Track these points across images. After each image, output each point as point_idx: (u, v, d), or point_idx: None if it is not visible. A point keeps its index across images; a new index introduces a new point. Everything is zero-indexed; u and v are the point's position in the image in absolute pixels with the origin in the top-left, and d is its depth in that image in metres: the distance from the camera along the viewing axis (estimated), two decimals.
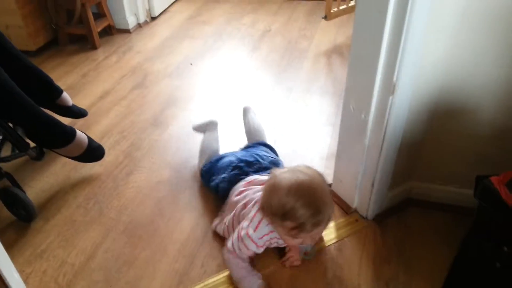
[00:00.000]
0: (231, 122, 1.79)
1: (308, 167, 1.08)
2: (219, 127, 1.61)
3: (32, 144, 1.44)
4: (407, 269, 1.20)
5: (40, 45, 2.42)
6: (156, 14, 2.89)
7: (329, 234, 1.31)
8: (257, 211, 1.11)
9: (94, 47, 2.50)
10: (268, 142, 1.53)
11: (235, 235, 1.15)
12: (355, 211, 1.39)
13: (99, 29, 2.52)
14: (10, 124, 1.37)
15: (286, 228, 1.03)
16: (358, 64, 1.15)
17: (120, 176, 1.56)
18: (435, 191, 1.38)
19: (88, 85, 2.15)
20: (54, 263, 1.25)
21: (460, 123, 1.22)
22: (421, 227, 1.32)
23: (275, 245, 1.18)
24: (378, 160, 1.23)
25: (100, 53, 2.47)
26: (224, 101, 2.00)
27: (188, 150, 1.67)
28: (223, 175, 1.34)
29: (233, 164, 1.35)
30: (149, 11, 2.84)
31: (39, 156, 1.44)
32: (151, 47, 2.53)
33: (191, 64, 2.32)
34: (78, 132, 1.49)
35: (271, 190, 1.04)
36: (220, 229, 1.29)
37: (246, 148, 1.49)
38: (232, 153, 1.44)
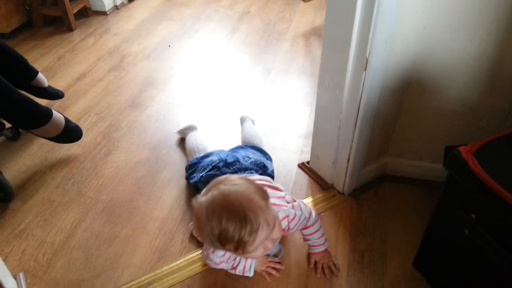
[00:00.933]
0: (210, 103, 1.79)
1: (226, 177, 0.96)
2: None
3: (8, 125, 1.42)
4: (382, 241, 1.24)
5: (14, 27, 2.36)
6: None
7: None
8: None
9: (70, 29, 2.46)
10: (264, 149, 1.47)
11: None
12: (332, 187, 1.42)
13: (74, 11, 2.47)
14: None
15: (231, 251, 0.93)
16: (332, 41, 1.17)
17: (99, 157, 1.55)
18: (408, 166, 1.42)
19: (64, 67, 2.11)
20: (33, 242, 1.25)
21: (431, 100, 1.25)
22: (395, 201, 1.37)
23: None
24: (353, 135, 1.26)
25: (76, 35, 2.43)
26: (203, 83, 2.00)
27: (166, 130, 1.68)
28: (201, 174, 1.32)
29: (213, 164, 1.32)
30: None
31: (15, 136, 1.43)
32: (128, 29, 2.49)
33: (169, 46, 2.30)
34: (55, 113, 1.48)
35: (196, 221, 0.92)
36: (195, 233, 1.25)
37: (235, 148, 1.46)
38: (218, 152, 1.40)
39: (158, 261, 1.20)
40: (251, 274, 1.13)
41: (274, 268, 1.16)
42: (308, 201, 1.37)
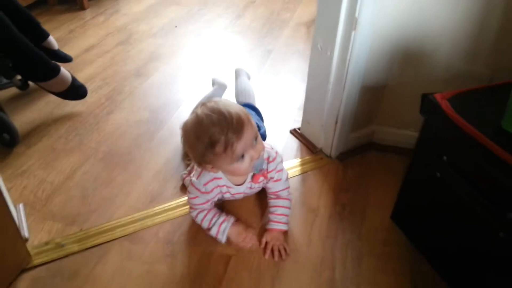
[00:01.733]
0: (211, 77, 1.88)
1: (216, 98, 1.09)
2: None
3: (18, 77, 1.51)
4: (363, 197, 1.31)
5: (29, 3, 2.47)
6: None
7: (294, 168, 1.41)
8: None
9: (82, 8, 2.57)
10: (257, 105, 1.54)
11: None
12: (321, 150, 1.49)
13: None
14: None
15: (221, 156, 0.97)
16: (325, 4, 1.25)
17: (101, 114, 1.63)
18: (395, 135, 1.48)
19: (74, 40, 2.21)
20: (34, 181, 1.33)
21: (418, 66, 1.33)
22: (380, 166, 1.43)
23: (228, 195, 1.17)
24: (341, 98, 1.33)
25: (87, 14, 2.53)
26: (205, 60, 2.09)
27: (167, 97, 1.76)
28: None
29: None
30: None
31: (23, 86, 1.51)
32: (137, 10, 2.60)
33: (175, 26, 2.40)
34: (62, 69, 1.56)
35: (186, 138, 1.01)
36: (186, 183, 1.30)
37: None
38: None
39: (151, 202, 1.26)
40: (223, 239, 1.13)
41: (247, 240, 1.14)
42: (297, 161, 1.44)
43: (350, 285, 1.06)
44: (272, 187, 1.18)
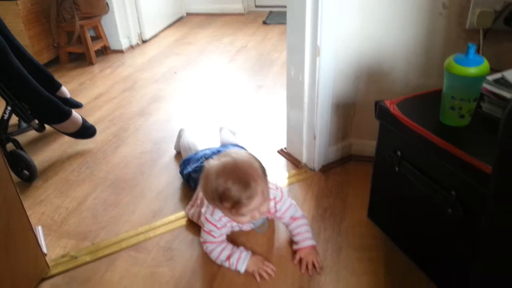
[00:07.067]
0: (207, 112, 2.09)
1: (236, 151, 1.20)
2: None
3: (36, 121, 1.73)
4: (343, 202, 1.45)
5: (44, 63, 2.75)
6: (147, 38, 3.26)
7: (281, 182, 1.57)
8: None
9: (91, 63, 2.85)
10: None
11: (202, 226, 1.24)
12: (305, 165, 1.65)
13: (95, 48, 2.88)
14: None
15: (227, 209, 1.10)
16: (292, 37, 1.47)
17: (109, 150, 1.83)
18: (371, 146, 1.62)
19: (85, 91, 2.46)
20: (50, 207, 1.51)
21: (379, 84, 1.52)
22: (359, 174, 1.58)
23: (236, 228, 1.27)
24: (316, 116, 1.52)
25: (96, 68, 2.81)
26: (202, 97, 2.31)
27: (168, 130, 1.96)
28: (195, 165, 1.47)
29: (206, 156, 1.46)
30: (140, 35, 3.21)
31: (40, 128, 1.72)
32: (141, 62, 2.87)
33: (175, 72, 2.65)
34: (74, 112, 1.79)
35: (205, 178, 1.11)
36: (191, 214, 1.38)
37: (223, 145, 1.65)
38: (210, 148, 1.58)
39: (153, 218, 1.43)
40: (242, 270, 1.18)
41: (266, 271, 1.18)
42: (284, 176, 1.60)
43: (329, 272, 1.19)
44: (286, 217, 1.25)
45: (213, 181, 1.08)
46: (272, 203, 1.21)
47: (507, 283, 0.75)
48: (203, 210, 1.25)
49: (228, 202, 1.07)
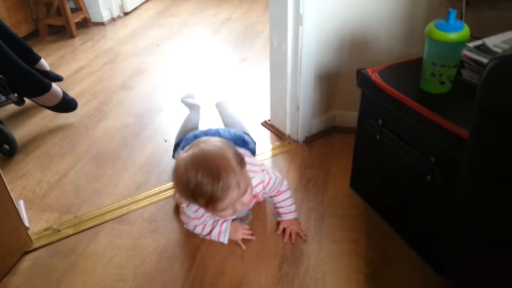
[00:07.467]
0: (191, 85, 2.06)
1: (208, 139, 1.06)
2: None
3: (15, 94, 1.69)
4: (326, 172, 1.46)
5: (22, 35, 2.66)
6: (129, 10, 3.17)
7: (265, 154, 1.57)
8: None
9: (71, 36, 2.77)
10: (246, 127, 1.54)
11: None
12: (289, 137, 1.65)
13: (75, 20, 2.80)
14: None
15: (203, 206, 1.02)
16: (275, 6, 1.44)
17: (91, 123, 1.81)
18: (354, 117, 1.63)
19: (65, 64, 2.40)
20: (32, 181, 1.49)
21: (363, 53, 1.50)
22: (342, 145, 1.59)
23: (217, 217, 1.19)
24: (299, 87, 1.50)
25: (76, 41, 2.74)
26: (185, 70, 2.28)
27: (150, 103, 1.94)
28: (184, 144, 1.32)
29: (196, 137, 1.32)
30: (122, 6, 3.12)
31: (19, 101, 1.68)
32: (122, 35, 2.81)
33: (157, 45, 2.60)
34: (54, 85, 1.75)
35: (175, 173, 1.02)
36: (177, 200, 1.32)
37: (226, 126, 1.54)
38: (203, 130, 1.42)
39: (136, 191, 1.42)
40: (225, 239, 1.19)
41: (248, 235, 1.20)
42: (268, 148, 1.60)
43: (312, 242, 1.20)
44: (272, 193, 1.23)
45: (183, 175, 0.98)
46: (260, 187, 1.15)
47: (482, 246, 0.76)
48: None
49: (202, 198, 0.98)
